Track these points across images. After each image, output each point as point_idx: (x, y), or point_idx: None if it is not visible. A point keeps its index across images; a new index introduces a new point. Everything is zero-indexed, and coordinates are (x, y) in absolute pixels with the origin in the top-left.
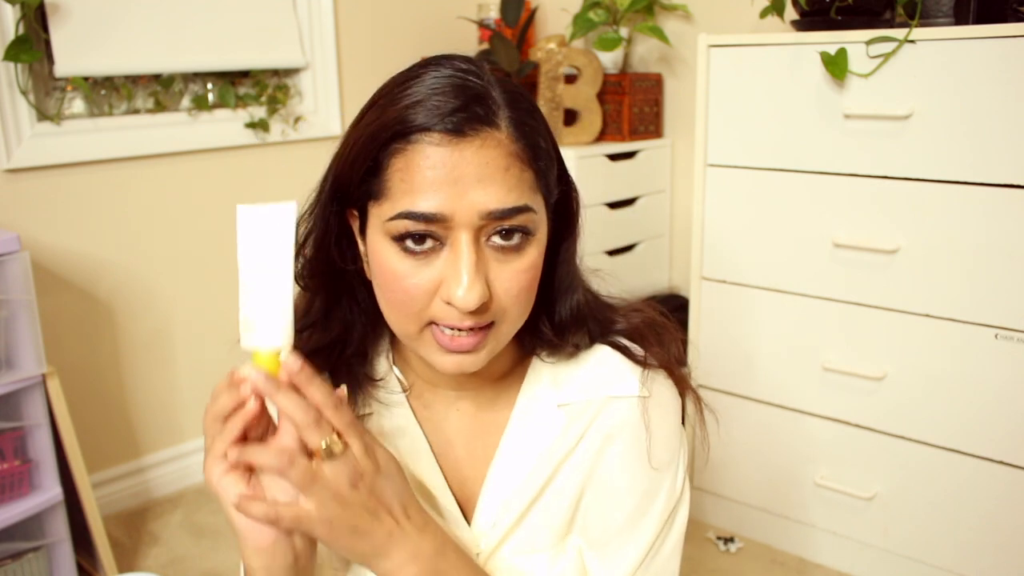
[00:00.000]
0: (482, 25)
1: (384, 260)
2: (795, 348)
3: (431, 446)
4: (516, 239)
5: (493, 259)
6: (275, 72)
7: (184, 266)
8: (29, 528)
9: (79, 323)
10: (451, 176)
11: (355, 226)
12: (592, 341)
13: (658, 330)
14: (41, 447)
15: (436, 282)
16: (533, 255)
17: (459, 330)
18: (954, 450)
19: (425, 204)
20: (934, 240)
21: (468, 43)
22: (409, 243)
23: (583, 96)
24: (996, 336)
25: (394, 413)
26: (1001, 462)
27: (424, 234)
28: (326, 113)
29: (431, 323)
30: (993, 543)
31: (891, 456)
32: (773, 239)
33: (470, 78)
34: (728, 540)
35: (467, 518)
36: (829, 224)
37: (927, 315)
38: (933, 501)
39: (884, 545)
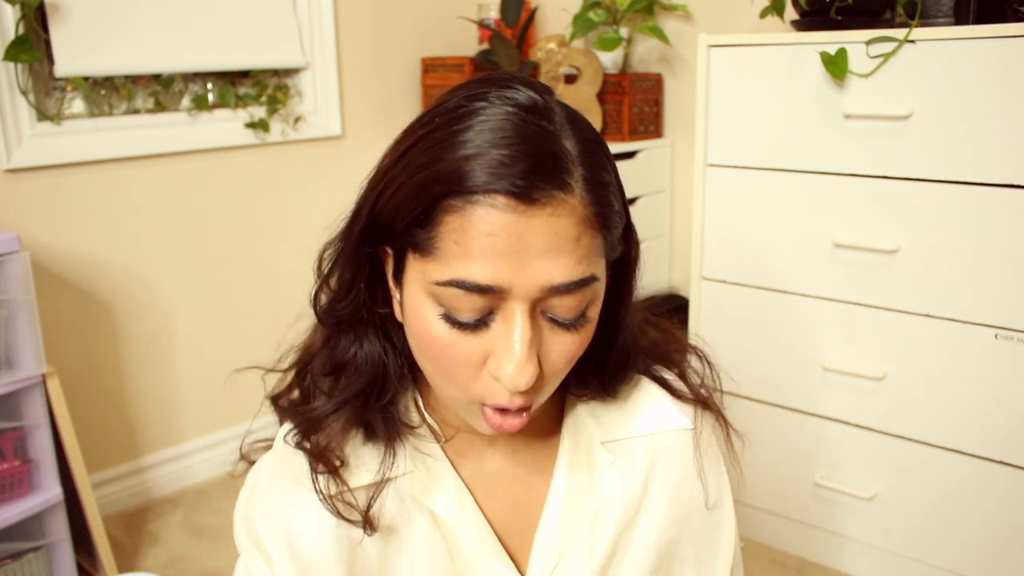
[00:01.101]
0: (482, 25)
1: (425, 323)
2: (795, 348)
3: (474, 496)
4: (579, 319)
5: (547, 329)
6: (275, 72)
7: (184, 266)
8: (29, 528)
9: (79, 323)
10: (515, 247)
11: (388, 267)
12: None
13: (700, 361)
14: (41, 447)
15: (484, 354)
16: (591, 326)
17: (506, 411)
18: (954, 450)
19: (481, 274)
20: (934, 240)
21: (468, 43)
22: (458, 321)
23: (583, 96)
24: (996, 336)
25: (431, 467)
26: (1001, 462)
27: (477, 320)
28: (326, 113)
29: (480, 402)
30: (993, 543)
31: (891, 456)
32: (773, 239)
33: (537, 122)
34: None
35: (518, 567)
36: (829, 224)
37: (927, 315)
38: (933, 501)
39: (884, 545)
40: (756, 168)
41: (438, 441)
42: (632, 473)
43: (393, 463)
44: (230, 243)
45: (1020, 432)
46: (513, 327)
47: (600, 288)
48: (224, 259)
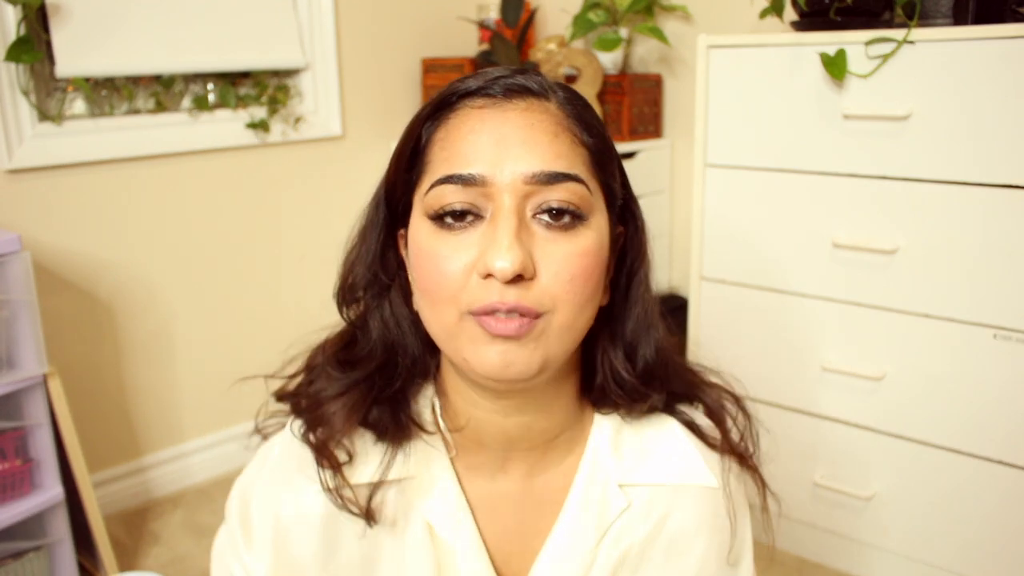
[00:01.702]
0: (482, 25)
1: (421, 244)
2: (795, 348)
3: (474, 513)
4: (566, 218)
5: (541, 236)
6: (275, 72)
7: (185, 266)
8: (30, 527)
9: (80, 323)
10: (493, 137)
11: (404, 250)
12: (669, 404)
13: (734, 409)
14: (42, 447)
15: (474, 261)
16: (589, 241)
17: (501, 311)
18: (954, 450)
19: (464, 166)
20: (934, 240)
21: (468, 43)
22: (448, 219)
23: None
24: (995, 336)
25: (436, 476)
26: (1001, 462)
27: (465, 210)
28: (326, 113)
29: (470, 314)
30: (993, 543)
31: (891, 456)
32: (773, 239)
33: (527, 73)
34: None
35: None
36: (829, 224)
37: (927, 315)
38: (933, 501)
39: (884, 545)
40: (756, 168)
41: (449, 452)
42: (646, 523)
43: (395, 463)
44: (230, 243)
45: (1020, 432)
46: (498, 220)
47: (593, 206)
48: (224, 259)
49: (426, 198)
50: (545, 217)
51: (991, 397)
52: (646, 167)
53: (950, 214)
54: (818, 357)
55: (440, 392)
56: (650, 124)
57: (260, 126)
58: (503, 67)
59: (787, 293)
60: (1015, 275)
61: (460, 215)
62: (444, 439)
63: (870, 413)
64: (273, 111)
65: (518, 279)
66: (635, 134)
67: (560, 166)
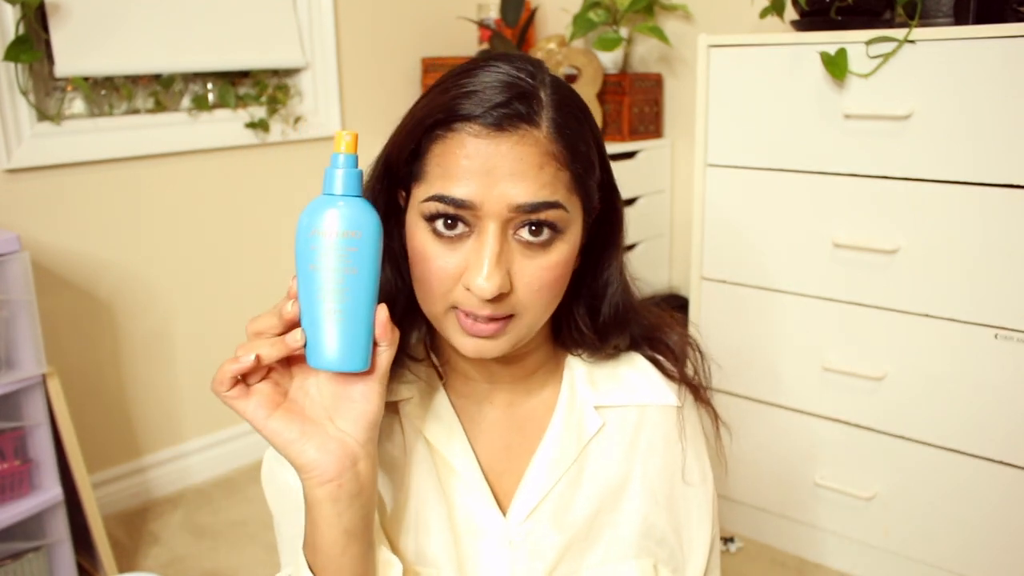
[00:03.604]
0: (482, 25)
1: (417, 239)
2: (795, 348)
3: (467, 435)
4: (544, 235)
5: (519, 253)
6: (275, 72)
7: (184, 266)
8: (29, 528)
9: (79, 323)
10: (485, 167)
11: (404, 206)
12: (632, 344)
13: (693, 352)
14: (41, 447)
15: (461, 268)
16: (561, 254)
17: (478, 317)
18: (954, 450)
19: (457, 190)
20: (934, 240)
21: (468, 43)
22: (439, 225)
23: (583, 96)
24: (996, 336)
25: (431, 399)
26: (1001, 462)
27: (455, 218)
28: (326, 113)
29: (454, 307)
30: (993, 543)
31: (891, 456)
32: (773, 239)
33: (523, 77)
34: (728, 540)
35: (501, 508)
36: (829, 224)
37: (927, 315)
38: (933, 501)
39: (884, 545)
40: (756, 168)
41: (441, 379)
42: (620, 438)
43: (394, 387)
44: (230, 243)
45: (1020, 432)
46: (484, 242)
47: (570, 221)
48: (224, 259)
49: (422, 205)
50: (525, 233)
51: (992, 397)
52: (646, 167)
53: (951, 214)
54: (818, 357)
55: (431, 328)
56: (650, 124)
57: (260, 126)
58: (504, 64)
59: (787, 293)
60: (1016, 275)
61: (451, 224)
62: (436, 368)
63: (870, 413)
64: (273, 111)
65: (496, 296)
66: (635, 134)
67: (543, 195)
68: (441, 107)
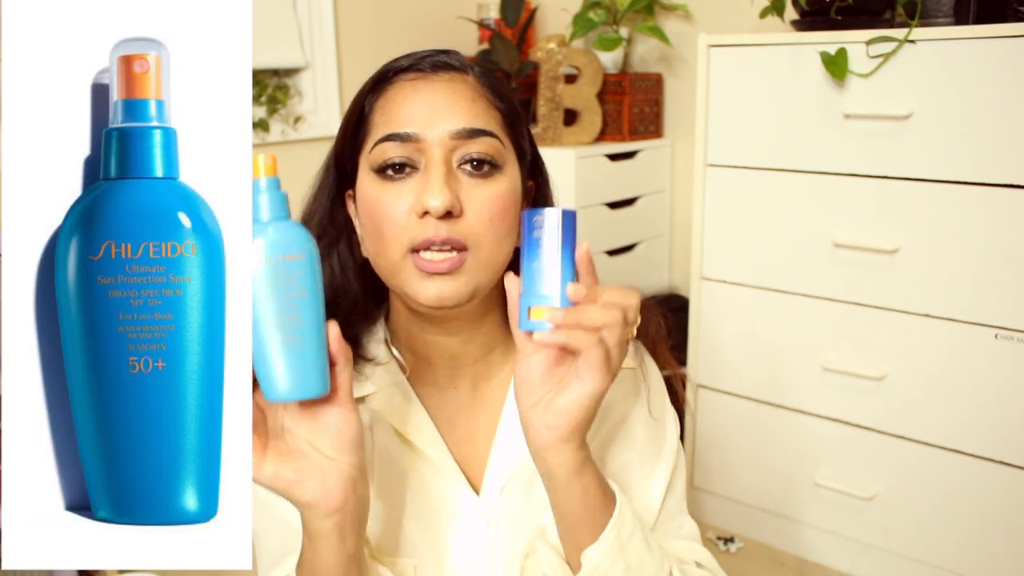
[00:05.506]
0: (482, 25)
1: (368, 194)
2: (795, 348)
3: (434, 422)
4: (485, 168)
5: (465, 182)
6: (275, 72)
7: None
8: None
9: None
10: (423, 103)
11: (352, 209)
12: None
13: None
14: None
15: (412, 203)
16: (504, 186)
17: (436, 251)
18: (954, 450)
19: (401, 127)
20: (934, 240)
21: (468, 43)
22: (389, 172)
23: (583, 96)
24: (996, 336)
25: (396, 393)
26: (1001, 462)
27: (402, 163)
28: (326, 113)
29: (411, 251)
30: (993, 543)
31: (891, 456)
32: (773, 239)
33: (449, 53)
34: (728, 540)
35: (475, 490)
36: (829, 224)
37: (927, 315)
38: (933, 501)
39: (884, 545)
40: (756, 168)
41: (404, 372)
42: None
43: (356, 384)
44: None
45: (1020, 432)
46: (431, 169)
47: (507, 157)
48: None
49: (371, 155)
50: (468, 167)
51: (992, 397)
52: (646, 167)
53: (951, 214)
54: (818, 357)
55: (391, 328)
56: (650, 124)
57: (260, 125)
58: (428, 49)
59: (787, 293)
60: (1016, 275)
61: (399, 168)
62: (398, 362)
63: (870, 413)
64: (273, 110)
65: (448, 215)
66: (635, 134)
67: (478, 123)
68: (378, 72)
